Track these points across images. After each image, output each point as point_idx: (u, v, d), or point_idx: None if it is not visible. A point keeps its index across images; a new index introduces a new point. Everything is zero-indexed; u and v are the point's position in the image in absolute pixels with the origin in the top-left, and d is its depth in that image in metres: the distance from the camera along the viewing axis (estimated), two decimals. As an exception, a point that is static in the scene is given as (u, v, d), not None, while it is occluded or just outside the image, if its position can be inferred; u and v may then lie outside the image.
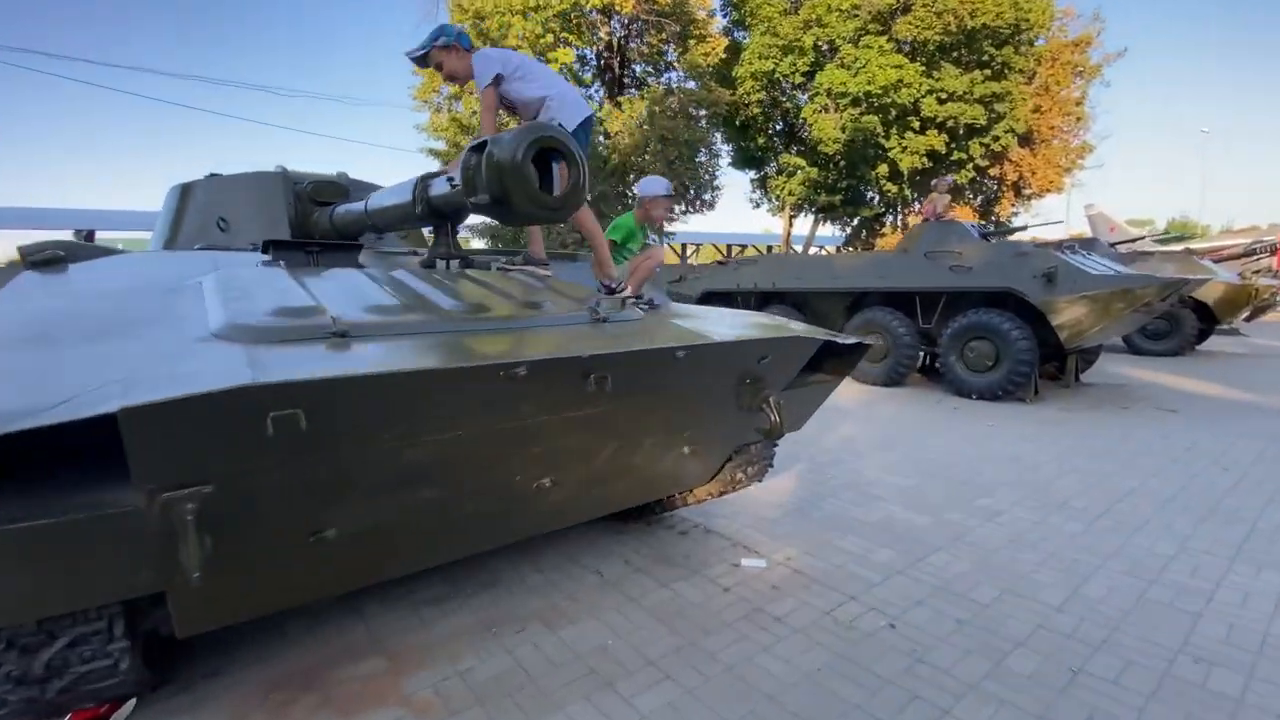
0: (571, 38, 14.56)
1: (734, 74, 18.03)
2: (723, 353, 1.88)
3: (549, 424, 1.68)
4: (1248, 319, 12.63)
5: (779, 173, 20.76)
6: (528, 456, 1.75)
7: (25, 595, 1.25)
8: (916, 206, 8.50)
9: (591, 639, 2.38)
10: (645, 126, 14.55)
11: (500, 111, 2.95)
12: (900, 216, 22.08)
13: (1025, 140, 20.52)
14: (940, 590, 2.72)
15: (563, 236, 12.60)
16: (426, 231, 3.75)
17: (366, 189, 4.72)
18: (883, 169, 18.80)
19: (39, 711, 1.49)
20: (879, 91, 16.80)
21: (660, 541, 3.23)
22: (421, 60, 2.96)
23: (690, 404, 2.06)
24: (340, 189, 4.16)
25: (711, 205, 16.76)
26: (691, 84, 16.20)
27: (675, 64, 15.84)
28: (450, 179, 2.57)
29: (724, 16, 19.21)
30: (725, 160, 20.99)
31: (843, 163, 19.03)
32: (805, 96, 19.20)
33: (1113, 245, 12.14)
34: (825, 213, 22.05)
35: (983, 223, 20.15)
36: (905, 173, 18.47)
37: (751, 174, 22.64)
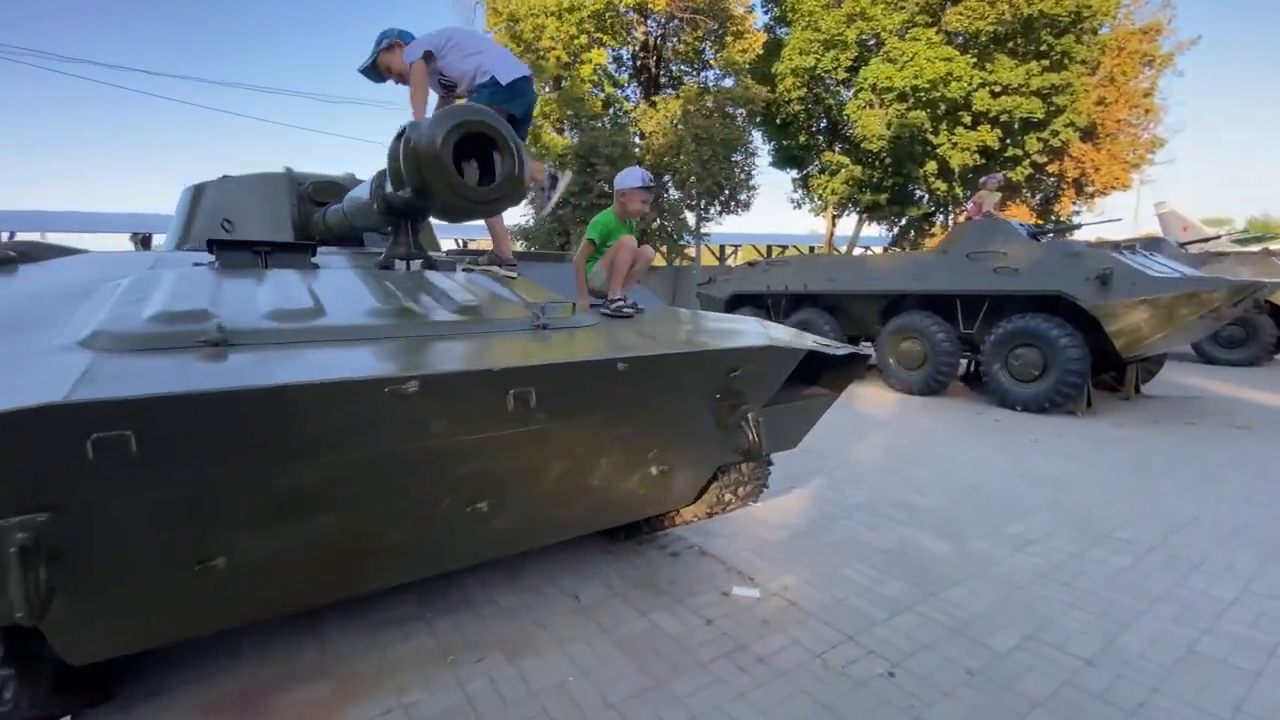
0: (606, 38, 14.43)
1: (773, 71, 17.58)
2: (679, 365, 1.66)
3: (471, 445, 1.49)
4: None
5: (821, 171, 20.16)
6: (452, 479, 1.56)
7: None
8: (969, 206, 7.99)
9: (552, 674, 2.18)
10: (679, 126, 14.29)
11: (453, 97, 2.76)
12: (950, 216, 21.14)
13: (1088, 135, 19.34)
14: (953, 633, 2.41)
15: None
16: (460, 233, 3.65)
17: None
18: (931, 166, 18.01)
19: None
20: (926, 86, 16.08)
21: (649, 563, 3.01)
22: (371, 72, 2.82)
23: (654, 421, 1.84)
24: (340, 189, 4.10)
25: (747, 205, 16.35)
26: (729, 81, 15.86)
27: (712, 62, 15.52)
28: None
29: (765, 13, 18.81)
30: (765, 159, 20.57)
31: (888, 160, 18.32)
32: (850, 93, 18.60)
33: (1183, 245, 11.26)
34: (870, 212, 21.31)
35: (1039, 223, 19.12)
36: (956, 170, 17.64)
37: (793, 173, 22.08)
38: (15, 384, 1.06)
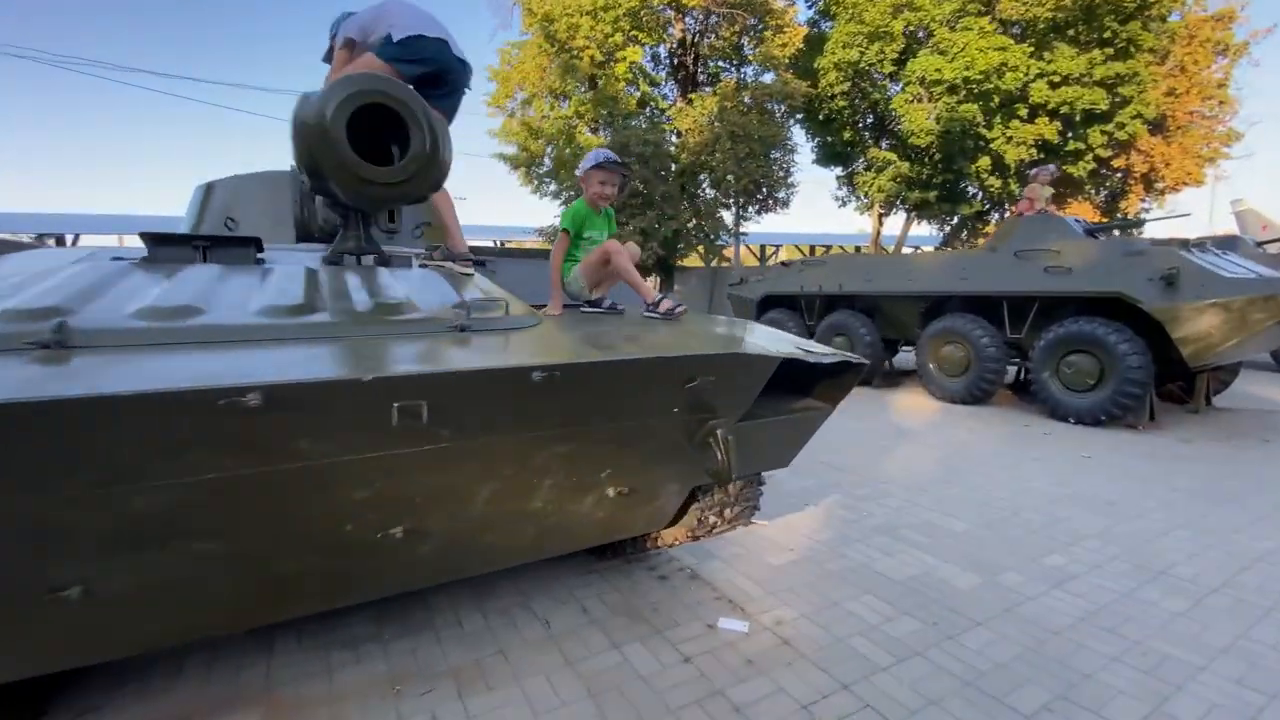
0: (641, 35, 14.22)
1: (815, 66, 17.01)
2: (616, 375, 1.41)
3: (361, 465, 1.29)
4: None
5: (867, 168, 19.44)
6: (350, 503, 1.36)
7: None
8: (1021, 201, 7.38)
9: (501, 714, 1.96)
10: (716, 123, 13.95)
11: None
12: (1006, 213, 20.08)
13: (1157, 127, 18.04)
14: (967, 686, 2.08)
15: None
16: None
17: None
18: (984, 162, 17.11)
19: None
20: (979, 77, 15.25)
21: (633, 586, 2.76)
22: (331, 59, 2.65)
23: (602, 438, 1.60)
24: None
25: (786, 204, 15.86)
26: (768, 77, 15.43)
27: (750, 58, 15.11)
28: None
29: (808, 7, 18.26)
30: (808, 156, 20.02)
31: (937, 156, 17.51)
32: (898, 86, 17.87)
33: (1261, 245, 10.32)
34: (919, 210, 20.44)
35: (1103, 220, 17.95)
36: (1011, 166, 16.71)
37: (837, 171, 21.40)
38: None
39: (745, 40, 15.01)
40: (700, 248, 16.13)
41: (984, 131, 16.36)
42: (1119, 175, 19.48)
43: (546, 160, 14.84)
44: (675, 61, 15.92)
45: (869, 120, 19.62)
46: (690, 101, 14.85)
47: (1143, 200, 20.19)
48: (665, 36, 15.00)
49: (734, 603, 2.61)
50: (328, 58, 2.64)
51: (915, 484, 4.18)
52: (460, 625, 2.49)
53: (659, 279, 15.72)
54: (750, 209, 15.93)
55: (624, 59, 13.97)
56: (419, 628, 2.48)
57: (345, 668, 2.23)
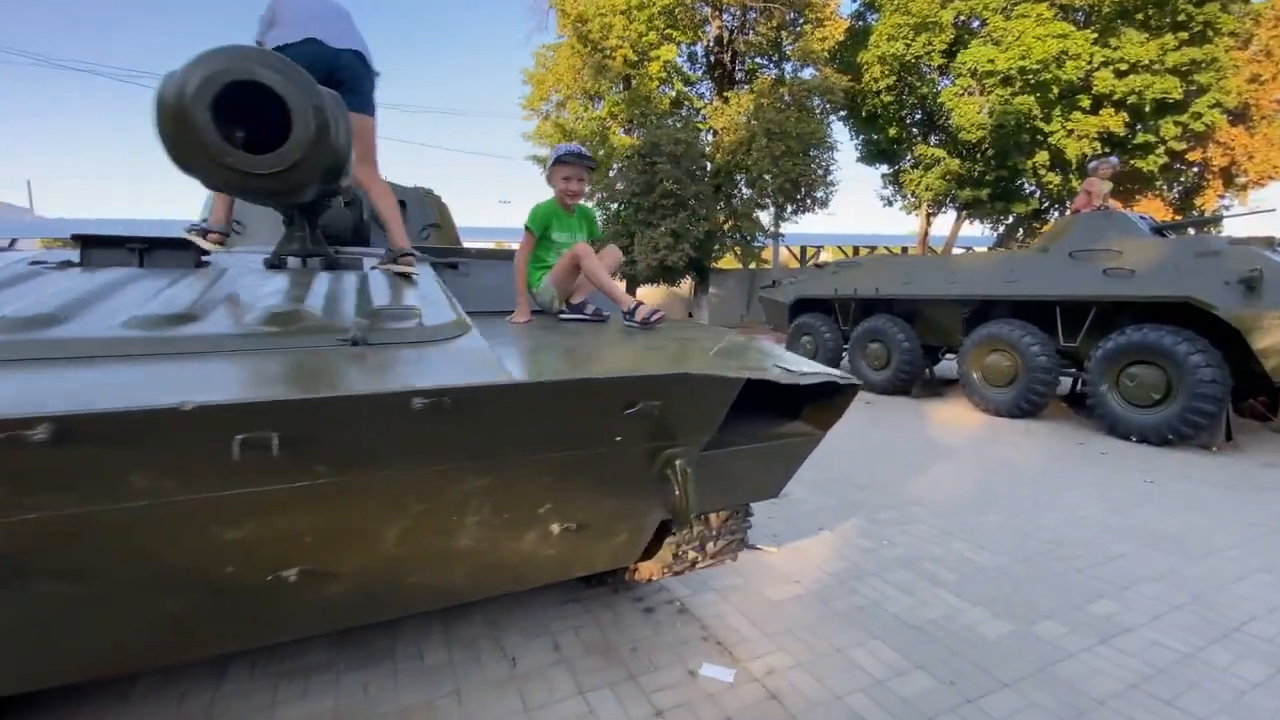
0: (676, 34, 13.96)
1: (858, 60, 16.40)
2: (524, 400, 1.17)
3: (216, 504, 1.08)
4: None
5: (914, 166, 18.66)
6: (221, 543, 1.16)
7: None
8: (1078, 197, 6.75)
9: (437, 774, 1.74)
10: (752, 121, 13.56)
11: None
12: (1066, 212, 18.96)
13: (1239, 117, 16.74)
14: (985, 767, 1.74)
15: None
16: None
17: (396, 191, 4.47)
18: (1041, 157, 16.16)
19: None
20: (1036, 67, 14.38)
21: (615, 620, 2.50)
22: None
23: (530, 470, 1.36)
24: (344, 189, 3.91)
25: (825, 204, 15.29)
26: (807, 72, 14.93)
27: (789, 53, 14.65)
28: None
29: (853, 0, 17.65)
30: (850, 155, 19.42)
31: (990, 151, 16.63)
32: (949, 80, 17.07)
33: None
34: (970, 209, 19.50)
35: (1176, 217, 16.72)
36: (1072, 161, 15.70)
37: (882, 169, 20.64)
38: None
39: (783, 35, 14.53)
40: (736, 249, 15.73)
41: (1041, 125, 15.45)
42: (1195, 170, 18.16)
43: (580, 162, 14.73)
44: (712, 59, 15.58)
45: (916, 116, 18.85)
46: (726, 100, 14.48)
47: (1221, 196, 18.79)
48: (701, 34, 14.70)
49: (722, 645, 2.32)
50: None
51: (946, 508, 3.78)
52: (421, 658, 2.29)
53: (693, 282, 15.42)
54: (788, 209, 15.42)
55: (658, 58, 13.73)
56: (378, 658, 2.29)
57: (290, 702, 2.06)
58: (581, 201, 2.43)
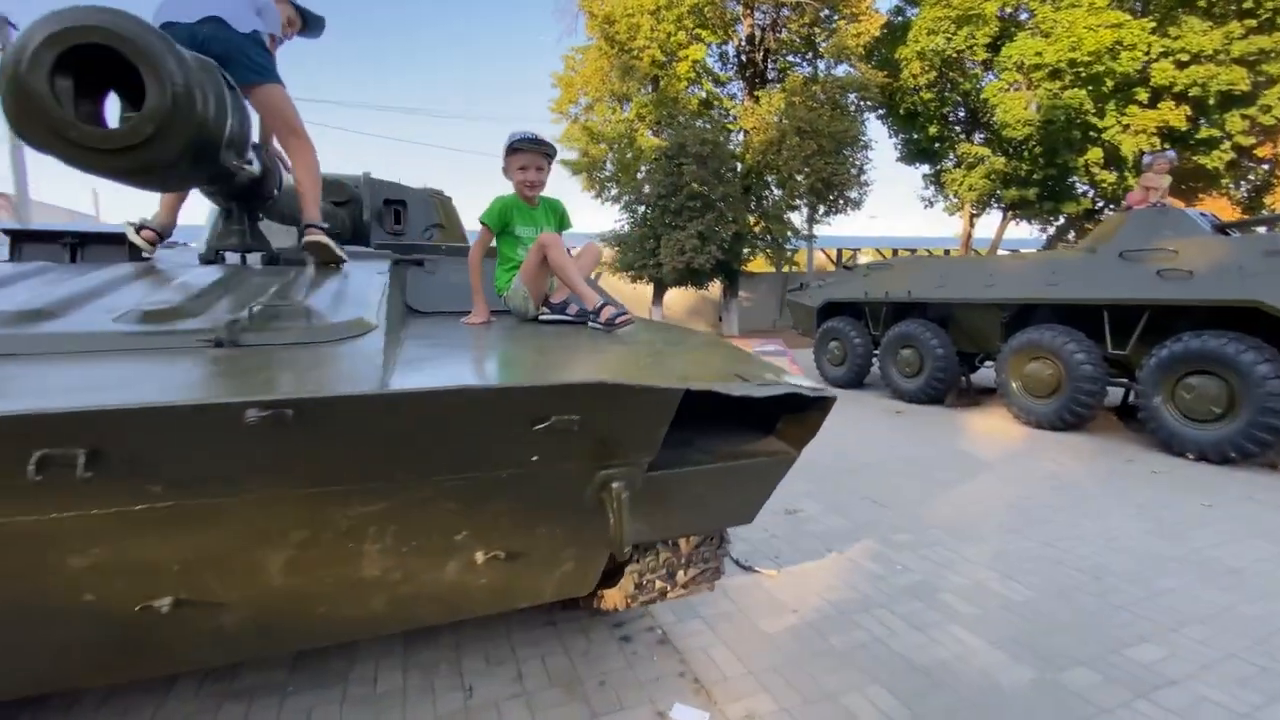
0: (705, 33, 13.72)
1: (896, 56, 15.85)
2: (395, 412, 0.98)
3: (43, 526, 0.93)
4: None
5: (957, 165, 17.95)
6: (68, 571, 1.02)
7: None
8: (1132, 193, 6.23)
9: (359, 825, 1.57)
10: (783, 121, 13.20)
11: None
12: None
13: (1315, 108, 15.54)
14: None
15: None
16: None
17: (389, 189, 4.38)
18: (1095, 154, 15.33)
19: None
20: (1087, 59, 13.63)
21: (587, 648, 2.30)
22: None
23: (427, 494, 1.17)
24: (339, 188, 3.82)
25: (858, 204, 14.79)
26: (842, 69, 14.49)
27: (823, 50, 14.23)
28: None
29: (891, -6, 17.11)
30: (887, 154, 18.87)
31: (1038, 149, 15.85)
32: (993, 75, 16.36)
33: None
34: (1017, 210, 18.67)
35: (1244, 216, 15.62)
36: (1128, 157, 14.83)
37: (924, 168, 19.95)
38: None
39: (816, 31, 14.13)
40: (766, 252, 15.35)
41: (1094, 120, 14.65)
42: (1264, 166, 16.97)
43: (608, 165, 14.61)
44: (743, 59, 15.28)
45: (959, 113, 18.15)
46: (757, 100, 14.16)
47: (1294, 194, 17.50)
48: (732, 33, 14.42)
49: (700, 683, 2.10)
50: None
51: (972, 530, 3.45)
52: (374, 683, 2.13)
53: (723, 285, 15.11)
54: (820, 210, 14.98)
55: (686, 58, 13.53)
56: (330, 681, 2.15)
57: (227, 729, 1.92)
58: (546, 193, 2.24)
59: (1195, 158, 14.99)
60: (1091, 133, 15.13)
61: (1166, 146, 14.39)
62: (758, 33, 14.64)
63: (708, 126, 13.17)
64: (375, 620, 1.46)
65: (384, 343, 1.20)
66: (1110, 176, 15.77)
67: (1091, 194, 17.67)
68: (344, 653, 2.29)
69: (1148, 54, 13.74)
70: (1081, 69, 13.94)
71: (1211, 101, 14.14)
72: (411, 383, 1.01)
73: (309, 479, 1.05)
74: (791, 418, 1.53)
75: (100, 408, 0.82)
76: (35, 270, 1.50)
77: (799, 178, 13.35)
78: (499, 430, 1.09)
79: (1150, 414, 5.23)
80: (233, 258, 1.82)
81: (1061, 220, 19.32)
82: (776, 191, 14.53)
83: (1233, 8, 13.71)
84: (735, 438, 1.56)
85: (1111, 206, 17.69)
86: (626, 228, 13.98)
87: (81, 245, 1.77)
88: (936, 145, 18.45)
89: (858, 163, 14.25)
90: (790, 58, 15.18)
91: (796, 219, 15.22)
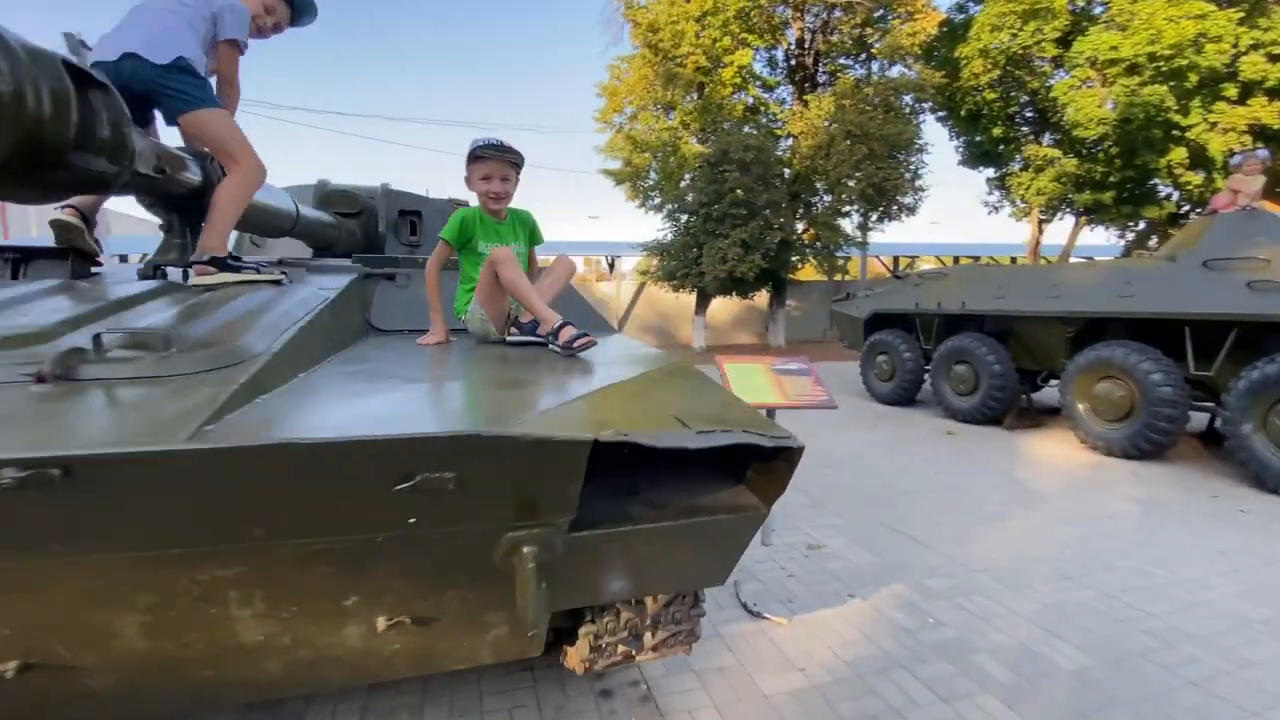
0: (752, 38, 13.41)
1: (956, 54, 15.10)
2: (189, 470, 0.81)
3: None
4: None
5: (1024, 168, 16.96)
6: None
7: None
8: (1220, 196, 5.63)
9: None
10: (832, 125, 12.72)
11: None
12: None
13: None
14: None
15: None
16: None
17: (405, 200, 4.33)
18: (1178, 154, 14.15)
19: None
20: (1168, 52, 12.60)
21: (564, 702, 2.09)
22: None
23: (295, 558, 1.00)
24: (352, 199, 3.78)
25: (912, 210, 14.10)
26: (896, 70, 13.88)
27: (875, 51, 13.68)
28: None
29: (950, -9, 16.35)
30: (947, 157, 18.03)
31: (1114, 149, 14.77)
32: (1064, 72, 15.38)
33: None
34: (1091, 215, 17.47)
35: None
36: (1216, 158, 13.61)
37: (988, 172, 18.96)
38: None
39: (868, 31, 13.60)
40: (815, 259, 14.82)
41: (1177, 118, 13.53)
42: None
43: (651, 174, 14.46)
44: (793, 63, 14.87)
45: (1025, 113, 17.16)
46: (806, 104, 13.72)
47: None
48: (781, 37, 14.06)
49: (680, 755, 1.85)
50: None
51: (1020, 576, 3.06)
52: (330, 731, 1.98)
53: (769, 294, 14.68)
54: (872, 217, 14.37)
55: (732, 63, 13.25)
56: (285, 724, 2.01)
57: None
58: (513, 204, 2.06)
59: (1264, 149, 13.64)
60: (1175, 131, 13.97)
61: (1258, 145, 13.13)
62: (807, 36, 14.22)
63: (752, 132, 12.82)
64: (274, 685, 1.29)
65: (252, 376, 1.04)
66: (1196, 178, 14.53)
67: (1175, 197, 16.36)
68: (294, 704, 2.14)
69: (1235, 47, 12.60)
70: (1162, 63, 12.90)
71: (1313, 95, 12.84)
72: (231, 435, 0.84)
73: (129, 543, 0.89)
74: (761, 466, 1.29)
75: None
76: None
77: (849, 183, 12.81)
78: (350, 492, 0.91)
79: (1239, 443, 4.62)
80: (175, 273, 1.72)
81: (1142, 225, 17.98)
82: (826, 197, 14.02)
83: (1337, -8, 12.44)
84: (700, 487, 1.33)
85: (1198, 210, 16.31)
86: (670, 236, 13.77)
87: (25, 261, 1.71)
88: (1001, 147, 17.49)
89: (912, 166, 13.59)
90: (842, 60, 14.67)
91: (848, 225, 14.65)
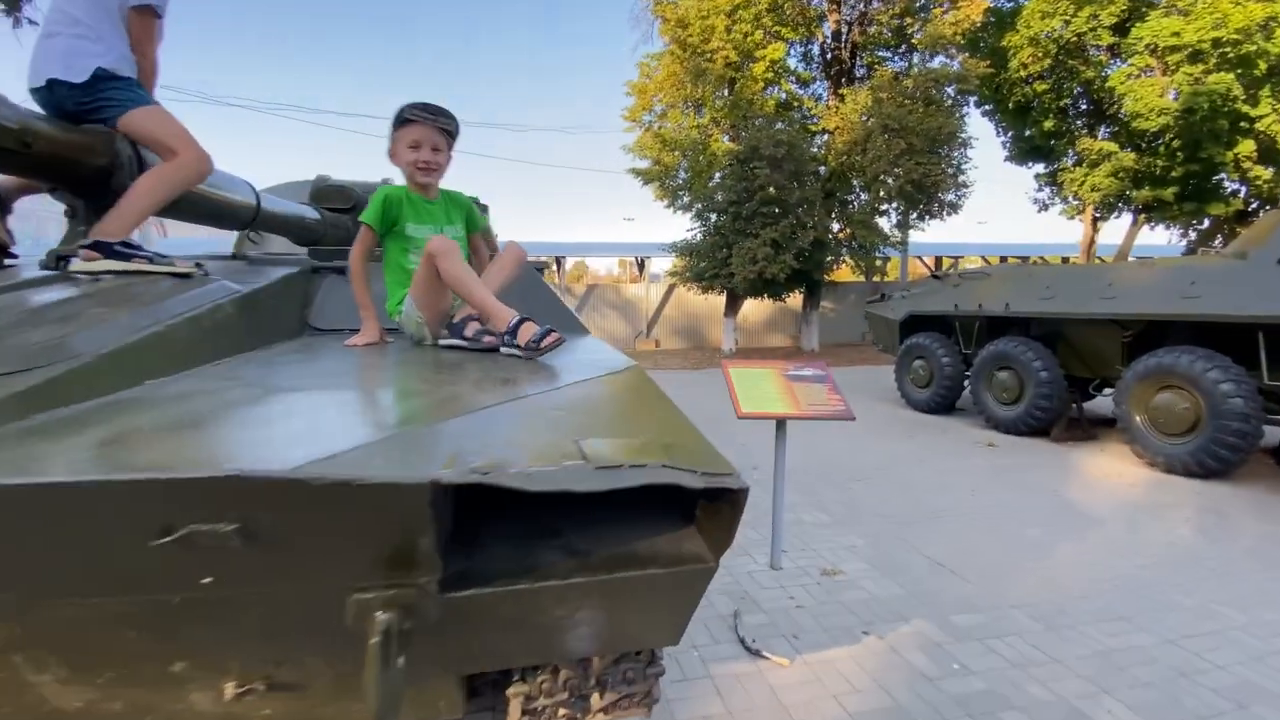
0: (785, 30, 12.99)
1: (1003, 44, 14.36)
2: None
3: None
4: None
5: (1078, 163, 16.05)
6: None
7: None
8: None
9: None
10: (869, 120, 12.21)
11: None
12: (1282, 213, 15.35)
13: None
14: None
15: None
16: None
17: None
18: (1246, 147, 13.18)
19: None
20: (1235, 37, 11.71)
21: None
22: None
23: (82, 620, 0.78)
24: (343, 194, 3.65)
25: (955, 208, 13.43)
26: (938, 61, 13.26)
27: (915, 41, 13.09)
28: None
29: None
30: (992, 152, 17.25)
31: (1175, 142, 13.83)
32: (1120, 61, 14.49)
33: None
34: (1150, 212, 16.44)
35: None
36: (1291, 150, 12.64)
37: (1038, 168, 18.04)
38: None
39: (907, 21, 13.02)
40: (850, 260, 14.28)
41: (1245, 108, 12.58)
42: None
43: (681, 172, 14.16)
44: (828, 56, 14.38)
45: (1079, 105, 16.24)
46: (842, 99, 13.23)
47: None
48: (816, 30, 13.60)
49: (647, 830, 1.58)
50: None
51: (1065, 615, 2.69)
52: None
53: (802, 296, 14.21)
54: (911, 215, 13.75)
55: (763, 58, 12.87)
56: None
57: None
58: (443, 183, 1.82)
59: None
60: (1243, 123, 13.01)
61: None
62: (844, 28, 13.73)
63: (784, 128, 12.40)
64: None
65: (43, 383, 0.84)
66: (1266, 173, 13.52)
67: (1243, 193, 15.26)
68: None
69: (1312, 29, 11.65)
70: (1228, 49, 12.00)
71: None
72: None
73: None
74: (707, 507, 1.02)
75: None
76: None
77: (887, 179, 12.27)
78: (95, 546, 0.69)
79: (1325, 464, 4.10)
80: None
81: (1205, 224, 16.86)
82: (862, 195, 13.48)
83: None
84: (642, 527, 1.07)
85: (1268, 206, 15.17)
86: (699, 237, 13.45)
87: None
88: (1052, 141, 16.61)
89: (955, 161, 12.94)
90: (881, 53, 14.12)
91: (885, 224, 14.07)
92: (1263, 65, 12.09)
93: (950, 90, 12.90)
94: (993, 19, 14.38)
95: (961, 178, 13.10)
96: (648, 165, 14.32)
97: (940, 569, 3.15)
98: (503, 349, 1.53)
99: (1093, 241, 18.33)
